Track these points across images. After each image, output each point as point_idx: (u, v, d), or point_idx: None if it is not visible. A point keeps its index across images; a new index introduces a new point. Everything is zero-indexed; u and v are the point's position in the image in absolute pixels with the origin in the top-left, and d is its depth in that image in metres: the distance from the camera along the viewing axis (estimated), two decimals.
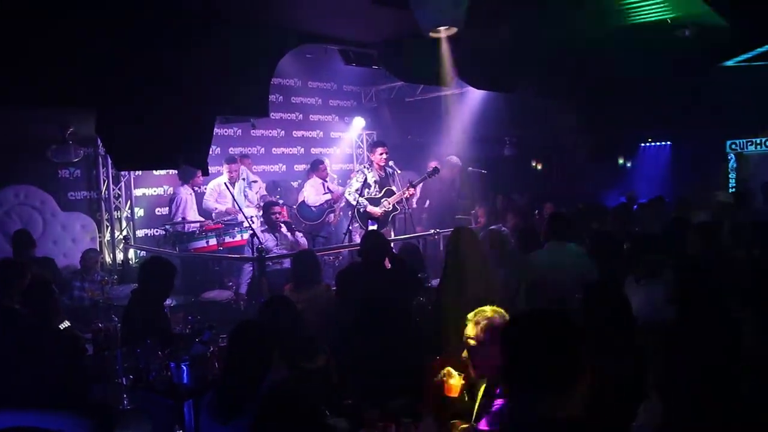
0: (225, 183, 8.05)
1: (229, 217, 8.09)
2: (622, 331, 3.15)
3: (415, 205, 9.02)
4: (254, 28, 6.00)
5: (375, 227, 7.01)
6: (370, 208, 7.66)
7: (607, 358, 2.89)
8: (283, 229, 7.41)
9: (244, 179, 8.48)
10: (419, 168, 9.89)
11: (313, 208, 9.05)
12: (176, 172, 8.30)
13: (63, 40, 4.85)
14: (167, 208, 8.73)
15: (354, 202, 7.64)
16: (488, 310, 3.02)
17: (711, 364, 2.85)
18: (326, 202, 9.12)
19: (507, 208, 7.67)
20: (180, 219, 7.92)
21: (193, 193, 8.17)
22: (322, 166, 9.38)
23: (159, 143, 5.51)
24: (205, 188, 8.58)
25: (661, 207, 7.75)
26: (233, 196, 7.83)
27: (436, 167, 8.29)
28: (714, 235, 5.31)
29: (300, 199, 9.14)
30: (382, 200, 7.73)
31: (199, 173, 8.00)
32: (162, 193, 8.99)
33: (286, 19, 6.18)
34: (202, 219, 8.05)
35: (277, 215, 7.20)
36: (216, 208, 8.37)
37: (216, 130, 6.13)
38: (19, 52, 4.68)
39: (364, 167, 7.87)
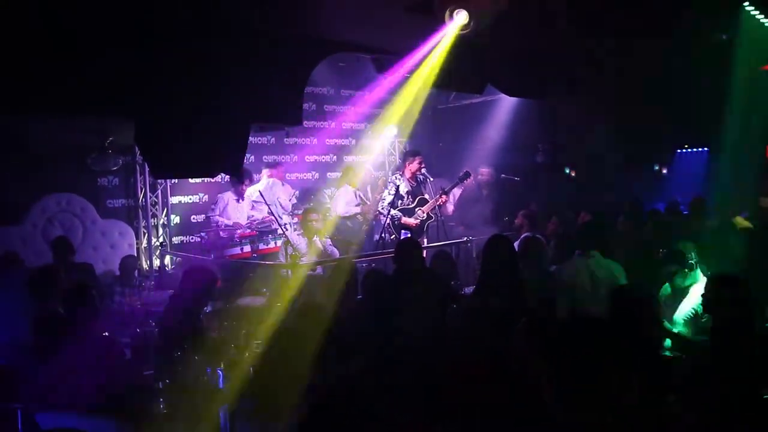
0: (260, 191, 8.12)
1: (263, 225, 8.17)
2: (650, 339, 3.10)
3: (450, 212, 8.98)
4: (288, 38, 6.07)
5: (409, 236, 6.99)
6: (405, 220, 7.62)
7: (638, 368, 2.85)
8: (315, 238, 7.44)
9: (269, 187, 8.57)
10: (451, 175, 9.84)
11: (350, 224, 9.05)
12: (225, 178, 8.35)
13: (103, 51, 4.96)
14: (203, 215, 8.87)
15: (388, 216, 7.61)
16: None
17: (738, 376, 2.79)
18: (358, 215, 9.11)
19: (548, 215, 7.60)
20: (220, 220, 7.97)
21: (239, 199, 8.23)
22: (350, 173, 9.40)
23: (195, 152, 5.59)
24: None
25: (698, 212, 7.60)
26: (267, 205, 7.90)
27: (467, 171, 8.23)
28: (756, 242, 5.20)
29: (332, 210, 9.13)
30: (416, 210, 7.70)
31: (246, 182, 8.14)
32: (197, 200, 9.11)
33: (320, 29, 6.23)
34: (241, 224, 8.11)
35: (314, 222, 7.24)
36: (252, 215, 8.45)
37: (250, 138, 6.20)
38: (60, 63, 4.80)
39: (396, 178, 7.83)
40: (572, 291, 4.81)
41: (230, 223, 7.98)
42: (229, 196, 8.23)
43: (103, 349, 4.10)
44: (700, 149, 11.13)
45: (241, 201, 8.24)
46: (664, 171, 11.37)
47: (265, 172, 8.71)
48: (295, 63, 6.26)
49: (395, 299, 4.47)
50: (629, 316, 3.28)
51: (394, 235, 7.61)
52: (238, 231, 7.83)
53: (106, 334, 4.64)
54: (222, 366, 3.79)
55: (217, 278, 4.62)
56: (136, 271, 7.55)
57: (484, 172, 9.25)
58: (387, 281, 4.73)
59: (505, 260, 4.53)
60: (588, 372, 1.68)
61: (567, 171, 10.91)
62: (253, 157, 9.41)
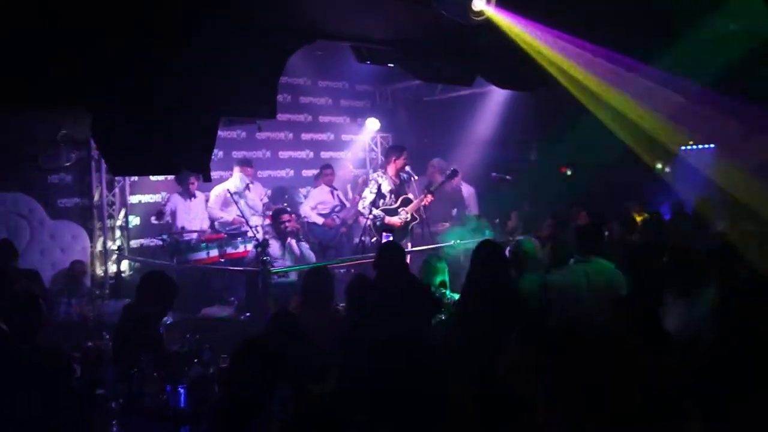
0: (228, 190, 8.05)
1: (232, 227, 8.10)
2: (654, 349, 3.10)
3: None
4: (262, 24, 6.01)
5: (391, 238, 6.98)
6: (389, 219, 7.61)
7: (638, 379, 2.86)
8: (292, 240, 7.40)
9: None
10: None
11: (327, 229, 9.02)
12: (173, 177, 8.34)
13: (56, 37, 4.87)
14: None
15: (370, 216, 7.58)
16: None
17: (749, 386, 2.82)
18: (335, 214, 9.08)
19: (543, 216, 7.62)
20: (177, 227, 7.95)
21: (189, 198, 8.21)
22: (327, 171, 9.38)
23: (158, 147, 5.51)
24: (208, 195, 8.64)
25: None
26: (237, 205, 7.83)
27: (454, 169, 8.24)
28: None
29: (303, 211, 9.10)
30: (399, 210, 7.68)
31: (191, 179, 8.07)
32: (160, 200, 9.03)
33: (296, 15, 6.18)
34: (199, 230, 8.06)
35: (286, 224, 7.20)
36: (221, 217, 8.39)
37: (219, 132, 6.15)
38: (7, 50, 4.71)
39: (378, 175, 7.81)
40: (569, 299, 4.81)
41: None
42: (177, 198, 8.20)
43: (51, 365, 4.01)
44: (705, 146, 11.21)
45: (192, 199, 8.23)
46: (668, 169, 11.44)
47: (236, 169, 8.65)
48: (269, 51, 6.20)
49: (376, 308, 4.44)
50: (631, 327, 3.27)
51: (375, 238, 7.60)
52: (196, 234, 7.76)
53: (54, 348, 4.54)
54: (184, 384, 3.73)
55: (176, 288, 4.55)
56: (88, 278, 7.44)
57: (434, 163, 9.23)
58: (369, 288, 4.69)
59: (495, 266, 4.52)
60: (586, 385, 1.67)
61: (563, 170, 10.95)
62: (221, 152, 9.37)
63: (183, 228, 7.87)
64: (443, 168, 8.93)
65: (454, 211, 9.31)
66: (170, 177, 8.62)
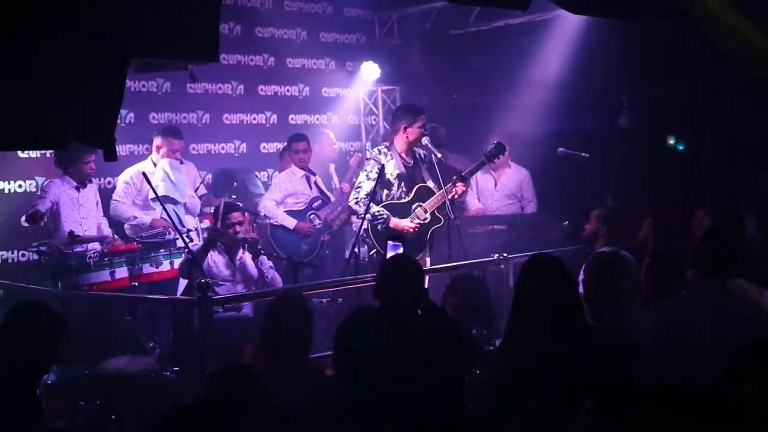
0: (143, 173, 8.06)
1: (152, 232, 8.15)
2: None
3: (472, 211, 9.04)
4: None
5: (401, 250, 7.02)
6: (395, 222, 7.65)
7: None
8: (245, 254, 7.43)
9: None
10: (472, 147, 9.87)
11: (300, 236, 9.06)
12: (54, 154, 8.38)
13: None
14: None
15: (366, 214, 7.61)
16: None
17: None
18: (313, 212, 9.13)
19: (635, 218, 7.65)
20: (62, 232, 7.96)
21: (79, 190, 8.25)
22: (299, 145, 9.44)
23: (29, 106, 5.53)
24: (114, 181, 8.74)
25: None
26: (159, 198, 7.83)
27: (499, 143, 8.25)
28: None
29: (261, 207, 9.13)
30: (413, 207, 7.70)
31: (87, 157, 8.10)
32: (35, 189, 9.06)
33: None
34: (99, 236, 8.10)
35: (236, 227, 7.22)
36: (132, 217, 8.43)
37: (128, 83, 6.16)
38: None
39: (380, 152, 7.83)
40: (681, 346, 4.81)
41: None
42: (59, 186, 8.22)
43: None
44: None
45: (83, 189, 8.28)
46: None
47: (157, 141, 8.69)
48: None
49: (378, 359, 4.47)
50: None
51: (374, 250, 7.64)
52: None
53: None
54: None
55: (61, 326, 4.57)
56: None
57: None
58: (369, 327, 4.74)
59: (557, 295, 4.54)
60: None
61: (672, 142, 10.95)
62: (132, 114, 9.43)
63: (72, 233, 7.85)
64: (439, 139, 9.01)
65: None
66: (49, 153, 8.65)
